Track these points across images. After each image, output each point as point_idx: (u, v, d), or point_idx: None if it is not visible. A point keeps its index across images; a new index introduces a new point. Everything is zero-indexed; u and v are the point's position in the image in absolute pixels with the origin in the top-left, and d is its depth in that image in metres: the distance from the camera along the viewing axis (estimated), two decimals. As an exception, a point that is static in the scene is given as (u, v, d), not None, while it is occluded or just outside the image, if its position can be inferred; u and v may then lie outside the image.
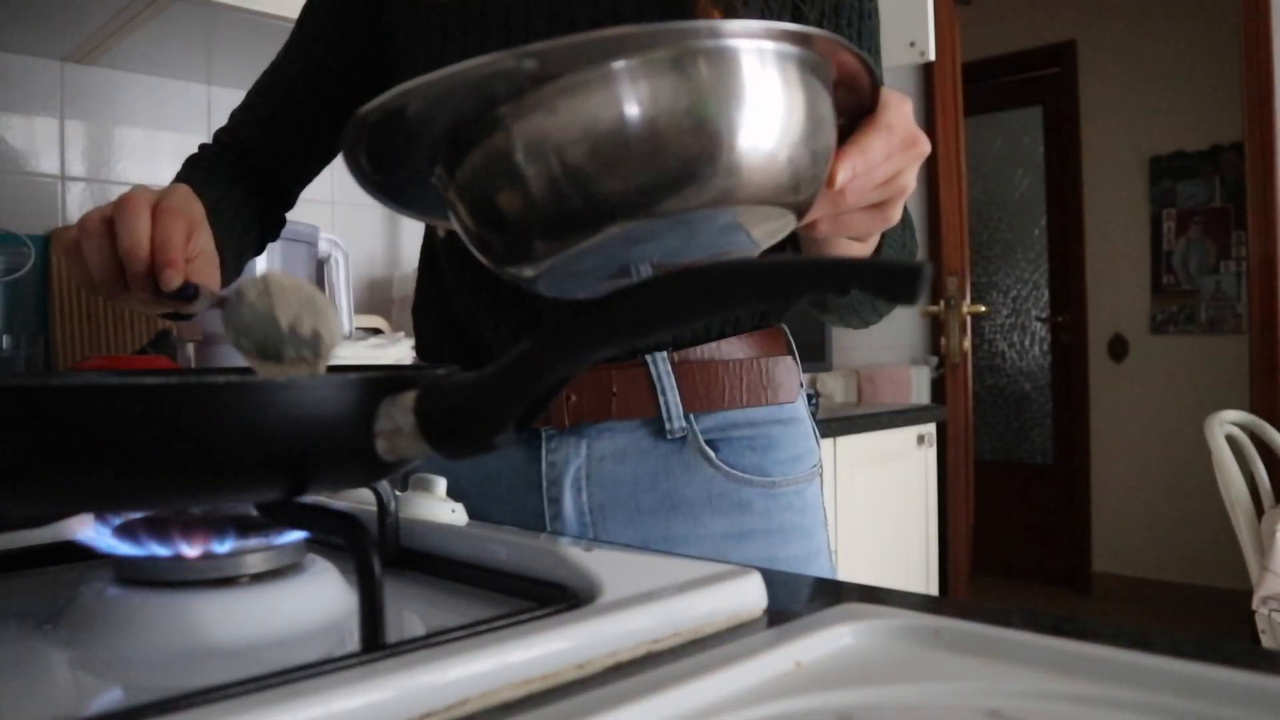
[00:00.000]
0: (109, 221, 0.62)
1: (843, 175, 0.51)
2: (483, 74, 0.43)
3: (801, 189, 0.48)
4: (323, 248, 1.37)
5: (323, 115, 0.88)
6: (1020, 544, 4.11)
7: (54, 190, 1.56)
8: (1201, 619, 3.53)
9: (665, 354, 0.79)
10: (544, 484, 0.81)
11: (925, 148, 0.55)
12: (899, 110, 0.54)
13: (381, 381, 0.40)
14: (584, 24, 0.73)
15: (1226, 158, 3.66)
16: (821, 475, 0.88)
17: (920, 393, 2.81)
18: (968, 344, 2.96)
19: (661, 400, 0.79)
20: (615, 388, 0.79)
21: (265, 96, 0.91)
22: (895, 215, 0.57)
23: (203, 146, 0.91)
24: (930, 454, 2.41)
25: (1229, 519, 2.18)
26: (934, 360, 3.04)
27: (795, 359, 0.86)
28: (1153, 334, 3.86)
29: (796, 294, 0.34)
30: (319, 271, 1.38)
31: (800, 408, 0.86)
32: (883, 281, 0.32)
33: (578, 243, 0.45)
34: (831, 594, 0.49)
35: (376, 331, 1.70)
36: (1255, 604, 2.03)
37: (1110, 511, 3.93)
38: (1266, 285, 2.81)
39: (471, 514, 0.65)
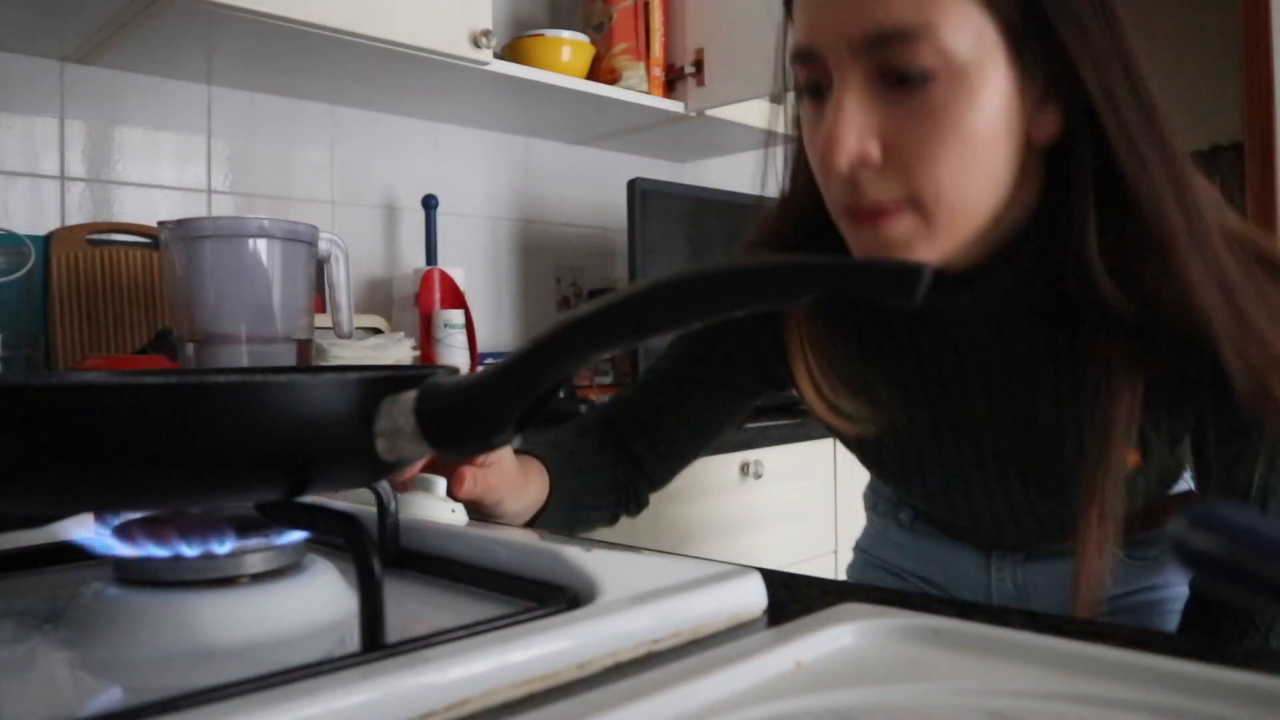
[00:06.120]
0: None
1: None
2: None
3: None
4: (323, 247, 1.37)
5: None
6: (1020, 544, 4.10)
7: (54, 190, 1.56)
8: (1201, 619, 3.51)
9: None
10: None
11: None
12: None
13: (381, 381, 0.40)
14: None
15: (1226, 158, 3.65)
16: None
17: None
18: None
19: None
20: None
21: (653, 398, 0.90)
22: None
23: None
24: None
25: (1229, 519, 2.18)
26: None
27: None
28: (1153, 334, 3.86)
29: (796, 295, 0.34)
30: (319, 271, 1.38)
31: None
32: (882, 282, 0.32)
33: None
34: (831, 594, 0.49)
35: (376, 331, 1.70)
36: (1255, 604, 2.03)
37: (1110, 511, 3.92)
38: (1266, 285, 2.81)
39: None
